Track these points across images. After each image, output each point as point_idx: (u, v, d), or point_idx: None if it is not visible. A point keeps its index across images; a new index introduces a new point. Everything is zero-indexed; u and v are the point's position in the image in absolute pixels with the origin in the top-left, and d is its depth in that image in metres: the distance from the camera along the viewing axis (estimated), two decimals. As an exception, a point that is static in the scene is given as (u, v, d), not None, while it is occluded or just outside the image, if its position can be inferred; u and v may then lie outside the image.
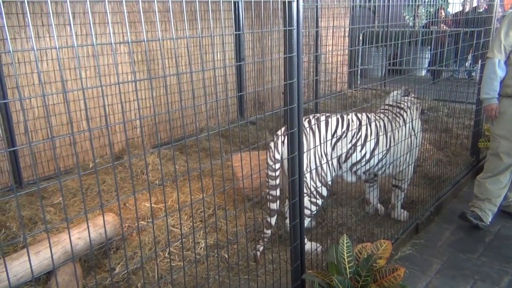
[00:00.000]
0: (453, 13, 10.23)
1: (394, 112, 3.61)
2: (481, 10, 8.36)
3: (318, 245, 3.22)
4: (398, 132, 3.49)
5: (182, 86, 5.89)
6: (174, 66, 5.94)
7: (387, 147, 3.44)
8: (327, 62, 7.80)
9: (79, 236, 3.13)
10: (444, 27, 8.44)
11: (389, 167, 3.56)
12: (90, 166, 5.13)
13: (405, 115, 3.58)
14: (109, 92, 5.34)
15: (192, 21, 6.02)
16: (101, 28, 5.18)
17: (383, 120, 3.48)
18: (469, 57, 9.15)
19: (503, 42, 3.51)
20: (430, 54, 8.70)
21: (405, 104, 3.67)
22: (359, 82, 8.94)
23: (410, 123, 3.58)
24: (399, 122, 3.53)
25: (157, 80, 5.74)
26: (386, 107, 3.73)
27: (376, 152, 3.38)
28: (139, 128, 5.70)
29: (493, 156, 3.79)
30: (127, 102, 5.54)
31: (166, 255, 3.28)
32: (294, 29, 2.19)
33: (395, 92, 3.91)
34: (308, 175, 3.15)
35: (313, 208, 3.28)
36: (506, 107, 3.62)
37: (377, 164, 3.44)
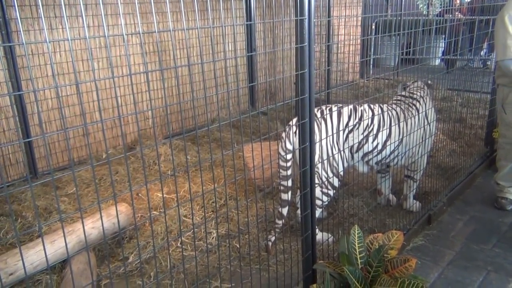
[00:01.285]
0: (469, 0, 10.05)
1: (407, 103, 3.57)
2: (497, -3, 8.19)
3: (330, 235, 3.22)
4: (411, 122, 3.46)
5: (193, 77, 5.90)
6: (185, 57, 5.95)
7: (400, 137, 3.41)
8: (339, 52, 7.74)
9: (93, 226, 3.17)
10: (459, 15, 8.31)
11: (402, 158, 3.54)
12: (104, 156, 5.19)
13: (418, 104, 3.55)
14: (121, 83, 5.37)
15: (203, 11, 6.01)
16: (112, 19, 5.20)
17: (395, 111, 3.45)
18: (485, 45, 9.00)
19: None
20: (444, 43, 8.58)
21: (418, 94, 3.63)
22: (371, 72, 8.86)
23: (424, 112, 3.55)
24: (412, 113, 3.49)
25: (169, 71, 5.75)
26: (399, 97, 3.70)
27: (388, 143, 3.36)
28: (151, 119, 5.73)
29: (510, 145, 3.78)
30: (139, 93, 5.57)
31: (179, 244, 3.32)
32: (305, 19, 2.17)
33: (398, 89, 3.90)
34: (320, 166, 3.14)
35: (325, 198, 3.28)
36: None
37: (390, 155, 3.42)
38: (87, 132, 1.51)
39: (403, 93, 3.73)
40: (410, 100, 3.60)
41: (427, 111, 3.58)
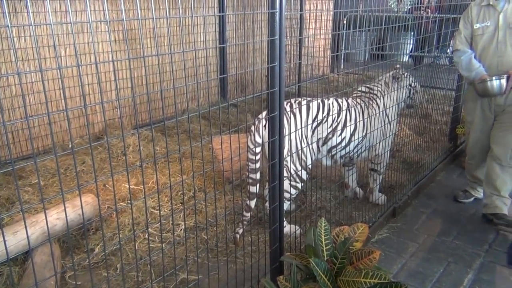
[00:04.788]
0: (437, -1, 10.25)
1: (368, 98, 3.62)
2: (464, -4, 8.38)
3: (297, 227, 3.25)
4: (374, 115, 3.53)
5: (165, 67, 5.81)
6: (155, 47, 5.85)
7: (364, 132, 3.48)
8: (309, 45, 7.77)
9: (58, 217, 3.10)
10: (428, 13, 8.47)
11: (364, 151, 3.61)
12: (70, 146, 5.07)
13: (378, 100, 3.60)
14: (89, 71, 5.24)
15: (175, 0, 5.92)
16: (81, 4, 5.06)
17: (360, 106, 3.51)
18: (451, 43, 9.21)
19: (463, 33, 3.66)
20: (413, 40, 8.74)
21: (377, 88, 3.68)
22: (342, 66, 8.95)
23: (384, 111, 3.61)
24: (374, 108, 3.56)
25: (138, 60, 5.65)
26: (359, 93, 3.72)
27: (354, 137, 3.42)
28: (118, 108, 5.62)
29: (467, 140, 4.02)
30: (108, 81, 5.45)
31: (146, 236, 3.29)
32: (276, 11, 2.17)
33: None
34: (288, 159, 3.17)
35: (293, 191, 3.31)
36: (469, 94, 3.84)
37: (354, 148, 3.48)
38: (49, 121, 1.47)
39: (362, 88, 3.75)
40: (370, 95, 3.64)
41: (387, 109, 3.62)
